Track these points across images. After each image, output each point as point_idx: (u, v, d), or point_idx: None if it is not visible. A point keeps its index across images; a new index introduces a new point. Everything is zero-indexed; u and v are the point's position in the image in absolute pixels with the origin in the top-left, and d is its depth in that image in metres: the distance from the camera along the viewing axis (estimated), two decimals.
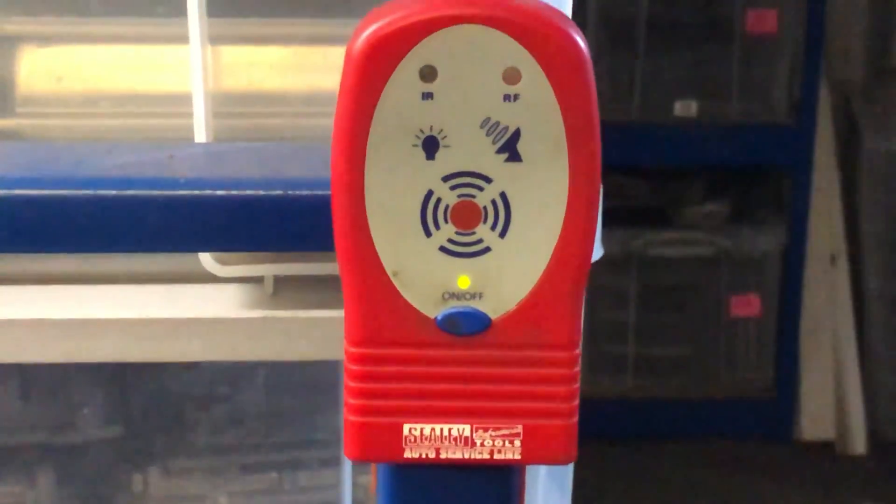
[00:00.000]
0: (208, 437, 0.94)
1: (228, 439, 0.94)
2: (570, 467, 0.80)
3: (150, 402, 0.93)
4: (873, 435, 2.27)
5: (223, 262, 0.64)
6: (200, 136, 0.65)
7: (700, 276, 2.25)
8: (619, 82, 2.17)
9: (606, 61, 2.14)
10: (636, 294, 2.25)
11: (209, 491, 0.95)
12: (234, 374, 0.93)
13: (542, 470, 0.77)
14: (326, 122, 0.52)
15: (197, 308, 0.65)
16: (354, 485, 0.91)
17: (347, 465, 0.91)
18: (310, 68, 0.70)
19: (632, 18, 2.17)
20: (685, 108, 2.19)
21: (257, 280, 0.67)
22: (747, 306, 2.26)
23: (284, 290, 0.66)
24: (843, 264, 2.29)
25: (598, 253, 0.71)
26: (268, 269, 0.65)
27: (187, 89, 0.66)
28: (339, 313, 0.53)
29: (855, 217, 2.30)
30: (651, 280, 2.25)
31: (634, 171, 2.24)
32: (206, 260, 0.64)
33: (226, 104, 0.67)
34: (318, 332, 0.64)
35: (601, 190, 0.53)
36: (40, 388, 0.92)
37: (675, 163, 2.26)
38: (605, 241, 0.75)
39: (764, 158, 2.26)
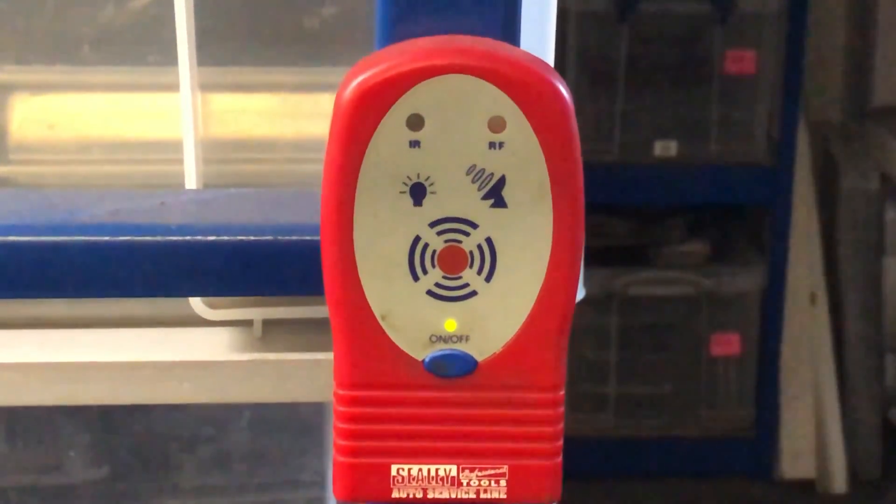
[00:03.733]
0: (194, 479, 0.94)
1: (214, 480, 0.95)
2: None
3: (136, 444, 0.93)
4: (853, 473, 2.28)
5: (212, 306, 0.65)
6: (191, 182, 0.66)
7: (680, 315, 2.26)
8: (600, 123, 2.18)
9: (586, 103, 2.16)
10: (617, 333, 2.26)
11: None
12: (220, 416, 0.93)
13: None
14: (315, 168, 0.53)
15: (186, 351, 0.65)
16: None
17: None
18: (298, 115, 0.71)
19: (611, 60, 2.18)
20: (665, 148, 2.20)
21: (246, 323, 0.67)
22: (727, 345, 2.27)
23: (273, 334, 0.67)
24: (823, 303, 2.30)
25: (580, 293, 0.72)
26: (256, 312, 0.66)
27: (178, 136, 0.67)
28: (326, 356, 0.54)
29: (834, 256, 2.31)
30: (632, 319, 2.26)
31: (615, 210, 2.25)
32: (196, 304, 0.65)
33: (216, 151, 0.68)
34: (306, 375, 0.64)
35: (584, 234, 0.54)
36: (27, 431, 0.92)
37: (655, 203, 2.27)
38: (586, 280, 0.76)
39: (743, 198, 2.27)
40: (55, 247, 0.55)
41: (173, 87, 0.67)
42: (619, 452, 2.28)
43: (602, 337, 2.25)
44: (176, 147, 0.67)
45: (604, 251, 2.21)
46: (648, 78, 2.19)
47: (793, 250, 2.26)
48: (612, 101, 2.19)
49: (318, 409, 0.89)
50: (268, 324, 0.67)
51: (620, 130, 2.20)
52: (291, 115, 0.70)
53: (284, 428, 0.93)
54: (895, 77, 2.35)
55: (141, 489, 0.94)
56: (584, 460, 2.20)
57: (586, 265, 0.75)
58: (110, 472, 0.93)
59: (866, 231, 2.29)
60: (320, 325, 0.61)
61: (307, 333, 0.66)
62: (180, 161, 0.66)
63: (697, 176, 2.22)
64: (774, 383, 2.28)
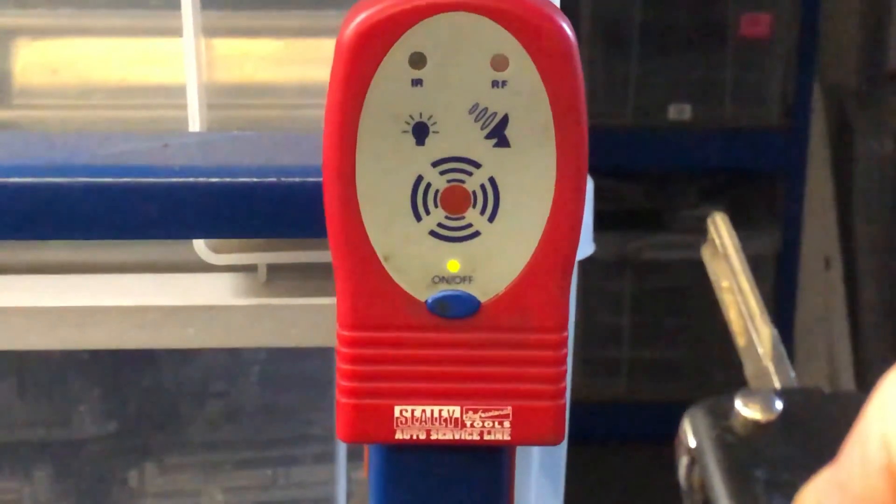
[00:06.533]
0: (203, 433, 0.94)
1: (223, 435, 0.95)
2: (563, 466, 0.80)
3: (145, 398, 0.93)
4: None
5: (217, 251, 0.65)
6: (194, 127, 0.65)
7: (694, 279, 2.25)
8: (613, 87, 2.18)
9: (600, 66, 2.15)
10: (631, 297, 2.26)
11: (204, 486, 0.95)
12: (230, 370, 0.93)
13: (535, 468, 0.77)
14: (319, 114, 0.52)
15: (191, 296, 0.65)
16: (349, 480, 0.91)
17: (342, 461, 0.91)
18: (302, 60, 0.70)
19: (625, 23, 2.18)
20: (679, 112, 2.19)
21: (251, 268, 0.67)
22: None
23: (277, 278, 0.67)
24: (837, 268, 2.30)
25: (589, 249, 0.72)
26: (261, 257, 0.66)
27: (181, 81, 0.67)
28: (331, 301, 0.54)
29: (849, 221, 2.30)
30: (646, 283, 2.26)
31: (629, 175, 2.25)
32: (200, 248, 0.65)
33: (219, 96, 0.68)
34: (311, 320, 0.64)
35: (588, 176, 0.53)
36: (36, 385, 0.92)
37: (670, 167, 2.27)
38: (600, 244, 0.75)
39: (758, 162, 2.26)
40: (57, 188, 0.54)
41: (176, 31, 0.66)
42: (632, 417, 2.28)
43: (615, 301, 2.24)
44: (179, 92, 0.67)
45: (617, 215, 2.20)
46: (663, 41, 2.18)
47: (807, 215, 2.25)
48: (626, 65, 2.18)
49: (327, 363, 0.89)
50: (272, 269, 0.67)
51: (634, 94, 2.19)
52: (295, 60, 0.70)
53: (294, 383, 0.93)
54: None
55: (150, 444, 0.94)
56: (596, 425, 2.20)
57: (599, 229, 0.75)
58: (119, 427, 0.93)
59: (881, 195, 2.28)
60: (325, 270, 0.61)
61: (312, 278, 0.66)
62: (183, 106, 0.66)
63: (711, 140, 2.21)
64: (788, 348, 2.27)
